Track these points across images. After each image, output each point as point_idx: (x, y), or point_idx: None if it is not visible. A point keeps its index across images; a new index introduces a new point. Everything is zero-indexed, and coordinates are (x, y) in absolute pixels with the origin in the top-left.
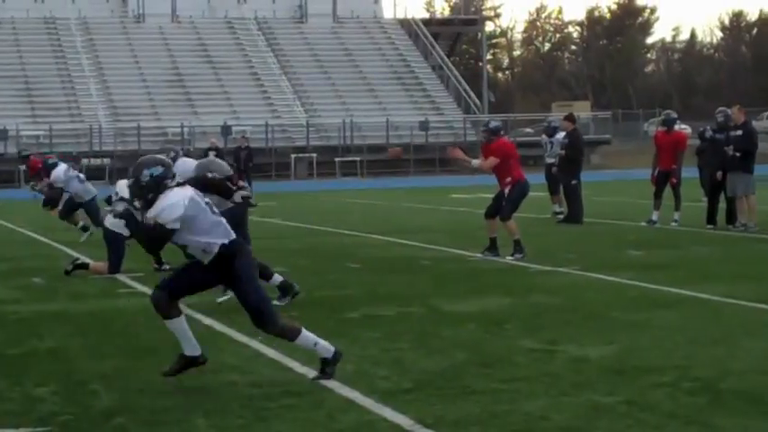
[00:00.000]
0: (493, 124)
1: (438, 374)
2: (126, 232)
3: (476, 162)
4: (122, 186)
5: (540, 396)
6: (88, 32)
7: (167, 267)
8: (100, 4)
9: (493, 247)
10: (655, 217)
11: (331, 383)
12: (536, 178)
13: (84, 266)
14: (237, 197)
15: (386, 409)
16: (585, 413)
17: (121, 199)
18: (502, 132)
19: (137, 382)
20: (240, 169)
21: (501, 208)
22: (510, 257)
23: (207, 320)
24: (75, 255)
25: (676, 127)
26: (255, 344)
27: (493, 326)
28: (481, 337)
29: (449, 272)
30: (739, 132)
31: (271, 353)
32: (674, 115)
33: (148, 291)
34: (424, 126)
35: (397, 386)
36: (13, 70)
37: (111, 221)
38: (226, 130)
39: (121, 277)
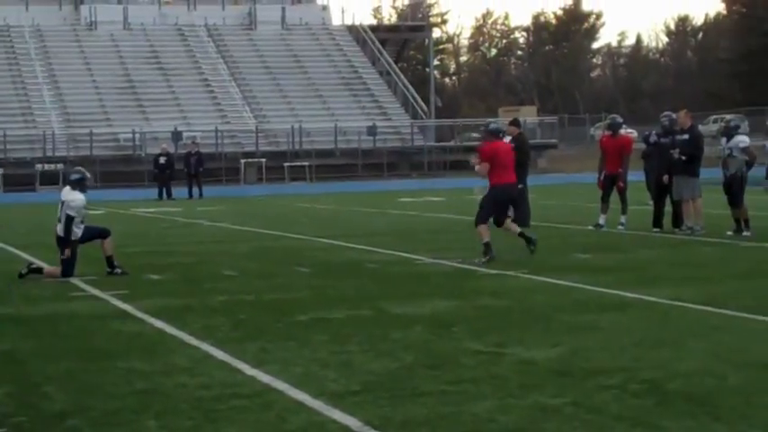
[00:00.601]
0: (492, 126)
1: (386, 376)
2: (73, 236)
3: (477, 167)
4: (66, 192)
5: (487, 398)
6: (41, 40)
7: (119, 271)
8: (53, 12)
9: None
10: (602, 221)
11: (280, 386)
12: (483, 182)
13: (39, 270)
14: None
15: (335, 411)
16: (532, 415)
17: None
18: (501, 135)
19: (89, 384)
20: (191, 174)
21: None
22: (477, 260)
23: (158, 323)
24: (31, 259)
25: (622, 131)
26: (205, 346)
27: (440, 328)
28: (429, 340)
29: (397, 275)
30: (686, 137)
31: (220, 355)
32: (620, 119)
33: (101, 294)
34: (372, 131)
35: (346, 388)
36: None
37: (60, 227)
38: (176, 135)
39: (74, 281)
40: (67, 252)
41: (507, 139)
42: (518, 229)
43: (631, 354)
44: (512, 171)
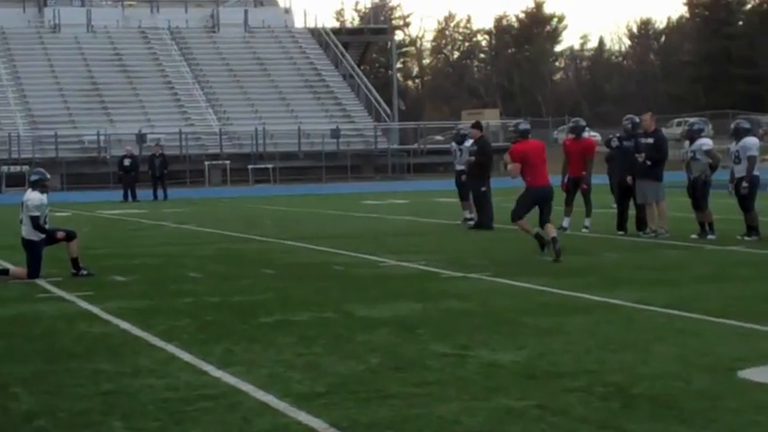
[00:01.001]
0: (522, 126)
1: (352, 378)
2: (37, 237)
3: (508, 167)
4: (27, 195)
5: (452, 400)
6: (5, 42)
7: (85, 272)
8: (17, 15)
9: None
10: (565, 223)
11: (246, 387)
12: (447, 185)
13: (5, 272)
14: None
15: (300, 413)
16: (498, 417)
17: None
18: (529, 136)
19: (56, 385)
20: (155, 176)
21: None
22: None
23: (124, 324)
24: None
25: (585, 134)
26: (171, 347)
27: (406, 331)
28: (394, 342)
29: (361, 277)
30: (650, 140)
31: (186, 356)
32: (583, 123)
33: (67, 295)
34: (336, 134)
35: (312, 390)
36: None
37: (26, 230)
38: (141, 137)
39: (41, 282)
40: (60, 234)
41: (470, 141)
42: (534, 230)
43: (596, 357)
44: (544, 171)
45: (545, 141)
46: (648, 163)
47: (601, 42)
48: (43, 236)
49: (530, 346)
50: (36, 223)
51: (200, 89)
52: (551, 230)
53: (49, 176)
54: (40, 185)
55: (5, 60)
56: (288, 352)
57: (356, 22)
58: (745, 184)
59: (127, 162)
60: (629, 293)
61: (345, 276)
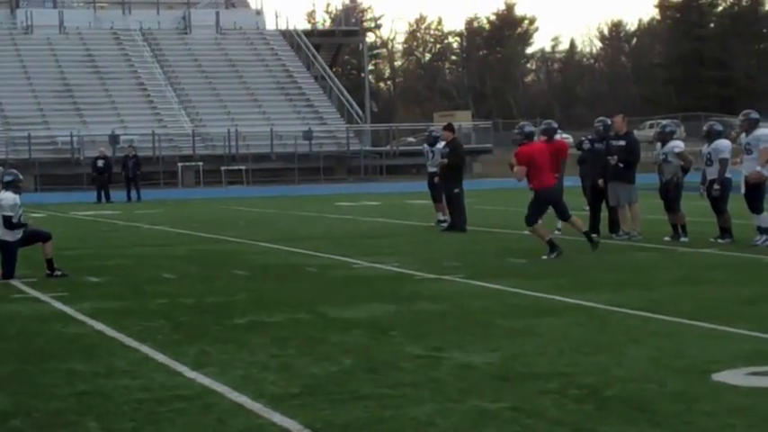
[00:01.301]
0: (527, 128)
1: (326, 379)
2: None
3: (514, 169)
4: (1, 195)
5: (426, 402)
6: None
7: (60, 273)
8: None
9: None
10: (559, 225)
11: (220, 388)
12: (420, 187)
13: None
14: None
15: (275, 414)
16: (472, 419)
17: None
18: (536, 137)
19: (31, 385)
20: (129, 177)
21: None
22: (545, 257)
23: (98, 325)
24: None
25: (557, 136)
26: (145, 348)
27: (379, 332)
28: (368, 344)
29: (335, 279)
30: (622, 142)
31: (160, 357)
32: (555, 125)
33: (41, 296)
34: (308, 135)
35: (286, 391)
36: None
37: (1, 231)
38: (114, 139)
39: (15, 283)
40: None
41: (441, 143)
42: (583, 227)
43: (570, 359)
44: (549, 172)
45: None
46: (621, 165)
47: (572, 44)
48: (18, 236)
49: (503, 348)
50: (9, 223)
51: (173, 90)
52: (580, 225)
53: (21, 177)
54: (13, 186)
55: None
56: (262, 353)
57: (327, 24)
58: (716, 186)
59: (100, 163)
60: (602, 295)
61: (319, 278)
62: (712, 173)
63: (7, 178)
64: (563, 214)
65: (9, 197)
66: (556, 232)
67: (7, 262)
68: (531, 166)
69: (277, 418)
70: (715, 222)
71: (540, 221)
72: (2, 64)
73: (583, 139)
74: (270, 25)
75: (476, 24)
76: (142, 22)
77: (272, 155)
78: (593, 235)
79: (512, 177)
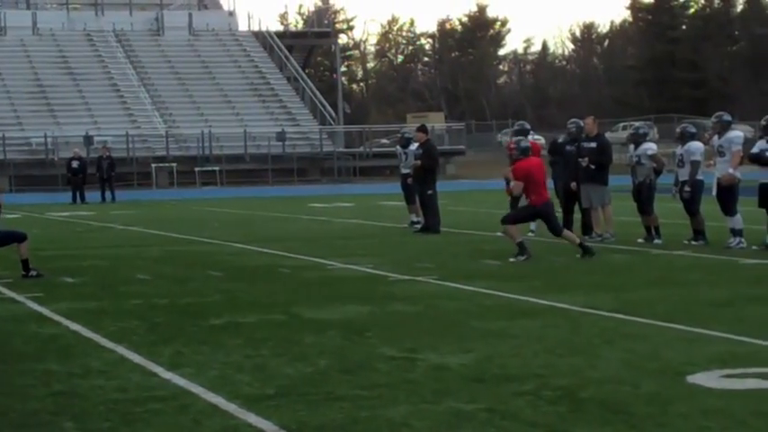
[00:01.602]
0: (523, 144)
1: (301, 380)
2: None
3: (512, 184)
4: None
5: (401, 403)
6: None
7: (35, 273)
8: None
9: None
10: (533, 226)
11: (196, 389)
12: (393, 188)
13: None
14: None
15: (250, 415)
16: (447, 420)
17: None
18: (530, 153)
19: (7, 385)
20: (103, 178)
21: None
22: (512, 259)
23: (74, 326)
24: None
25: (530, 137)
26: (121, 349)
27: (354, 333)
28: (342, 345)
29: (309, 280)
30: (593, 144)
31: (135, 358)
32: (528, 126)
33: (17, 297)
34: (281, 137)
35: (261, 392)
36: None
37: None
38: (88, 140)
39: None
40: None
41: (415, 145)
42: (577, 240)
43: (544, 360)
44: (545, 186)
45: (489, 145)
46: (592, 167)
47: (544, 46)
48: None
49: (478, 350)
50: None
51: (146, 92)
52: (574, 237)
53: None
54: None
55: None
56: (237, 354)
57: (300, 26)
58: (686, 188)
59: (75, 164)
60: (576, 297)
61: (293, 279)
62: (684, 174)
63: None
64: (555, 227)
65: None
66: (529, 234)
67: None
68: (530, 182)
69: (252, 418)
70: (688, 224)
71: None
72: None
73: (554, 140)
74: (242, 26)
75: (448, 26)
76: (115, 23)
77: (246, 156)
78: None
79: (483, 179)
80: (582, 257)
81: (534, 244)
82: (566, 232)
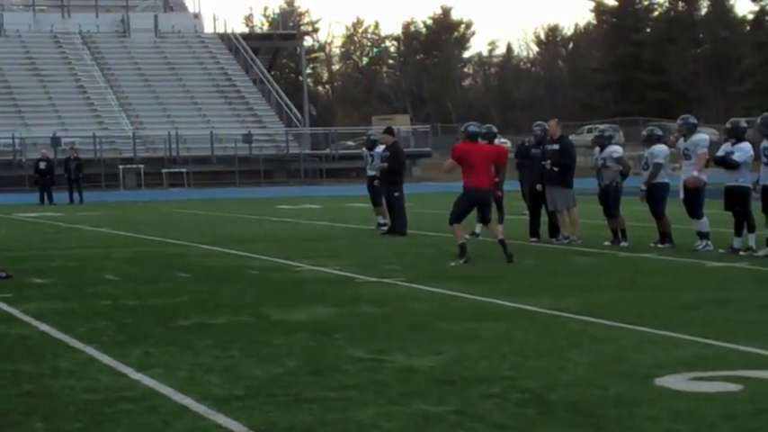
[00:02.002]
0: (471, 128)
1: (270, 382)
2: None
3: (446, 162)
4: None
5: (370, 404)
6: None
7: (3, 275)
8: None
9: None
10: (478, 229)
11: (165, 390)
12: (360, 190)
13: None
14: None
15: (219, 416)
16: (416, 422)
17: None
18: (479, 140)
19: None
20: (71, 179)
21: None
22: (453, 263)
23: (43, 327)
24: None
25: (497, 141)
26: (90, 350)
27: (322, 335)
28: (311, 346)
29: (277, 281)
30: (556, 146)
31: (105, 359)
32: (495, 129)
33: None
34: (248, 139)
35: (230, 393)
36: None
37: None
38: (55, 141)
39: None
40: None
41: (381, 147)
42: (501, 235)
43: (512, 363)
44: (485, 175)
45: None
46: (555, 169)
47: (509, 49)
48: None
49: (446, 352)
50: None
51: (113, 93)
52: (499, 232)
53: None
54: None
55: None
56: (206, 355)
57: (265, 28)
58: (643, 187)
59: (42, 165)
60: (544, 300)
61: (261, 280)
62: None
63: None
64: (486, 215)
65: None
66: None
67: None
68: (466, 164)
69: (222, 419)
70: (655, 227)
71: (459, 224)
72: None
73: (521, 142)
74: (208, 29)
75: (413, 28)
76: (81, 25)
77: (213, 158)
78: (509, 252)
79: (449, 182)
80: (505, 258)
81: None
82: (492, 225)
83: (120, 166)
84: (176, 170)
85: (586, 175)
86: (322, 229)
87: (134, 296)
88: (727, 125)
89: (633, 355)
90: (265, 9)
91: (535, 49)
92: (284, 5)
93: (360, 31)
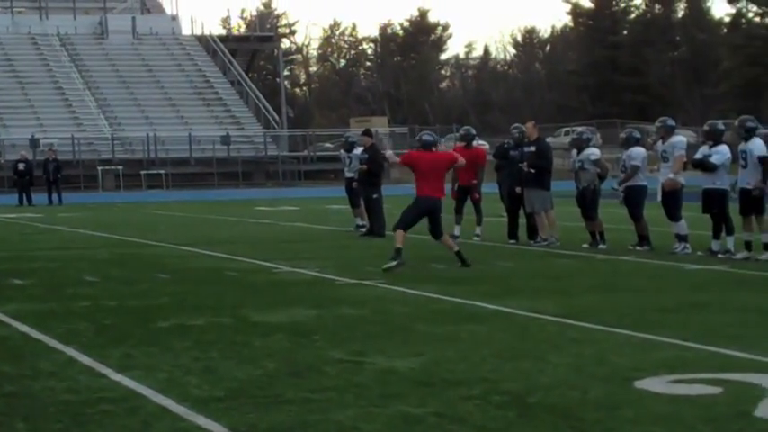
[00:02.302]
0: (425, 137)
1: (249, 383)
2: None
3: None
4: None
5: (350, 406)
6: None
7: None
8: None
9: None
10: (456, 232)
11: (145, 391)
12: (338, 192)
13: None
14: None
15: (200, 417)
16: (396, 424)
17: None
18: (434, 149)
19: None
20: (50, 180)
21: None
22: (386, 265)
23: (23, 327)
24: None
25: (475, 143)
26: (70, 350)
27: (301, 336)
28: (290, 348)
29: (256, 283)
30: (533, 148)
31: (85, 359)
32: (473, 131)
33: None
34: (226, 140)
35: (210, 394)
36: None
37: None
38: (34, 142)
39: None
40: None
41: (359, 149)
42: (455, 247)
43: (492, 365)
44: (436, 183)
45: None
46: (532, 171)
47: (486, 51)
48: None
49: (425, 354)
50: None
51: (91, 95)
52: (451, 244)
53: None
54: None
55: None
56: (185, 356)
57: (243, 30)
58: (615, 186)
59: (21, 166)
60: (522, 302)
61: (240, 282)
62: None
63: None
64: (435, 231)
65: None
66: (475, 239)
67: None
68: (418, 172)
69: (202, 421)
70: (633, 230)
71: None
72: None
73: (501, 144)
74: (185, 31)
75: (389, 30)
76: (59, 26)
77: (191, 159)
78: (465, 258)
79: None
80: (460, 266)
81: (480, 249)
82: (445, 237)
83: (99, 168)
84: (155, 172)
85: (564, 177)
86: (300, 231)
87: (113, 297)
88: (705, 127)
89: (613, 358)
90: (243, 11)
91: (512, 51)
92: (262, 7)
93: (337, 33)
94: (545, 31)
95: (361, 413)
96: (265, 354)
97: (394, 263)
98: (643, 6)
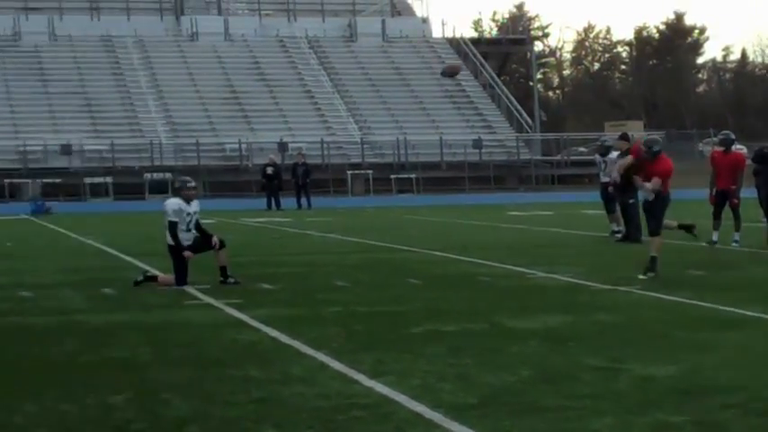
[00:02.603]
0: (656, 148)
1: (503, 390)
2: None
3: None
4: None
5: (606, 414)
6: (144, 50)
7: (233, 281)
8: (154, 23)
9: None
10: (715, 237)
11: (398, 397)
12: (593, 197)
13: (154, 278)
14: None
15: (453, 424)
16: None
17: None
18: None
19: (207, 391)
20: (298, 185)
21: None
22: (642, 276)
23: (273, 332)
24: (145, 267)
25: (733, 147)
26: (321, 356)
27: (556, 343)
28: (545, 354)
29: (509, 288)
30: None
31: (336, 365)
32: (732, 136)
33: (215, 303)
34: (478, 144)
35: (464, 401)
36: (74, 87)
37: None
38: (282, 146)
39: (189, 289)
40: (187, 254)
41: (615, 153)
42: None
43: (752, 372)
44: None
45: (688, 154)
46: None
47: (743, 54)
48: (188, 243)
49: (683, 361)
50: (172, 230)
51: (340, 98)
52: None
53: (191, 184)
54: (177, 192)
55: (145, 68)
56: (438, 362)
57: (494, 33)
58: None
59: (269, 170)
60: None
61: (492, 287)
62: None
63: (176, 185)
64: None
65: (173, 203)
66: (733, 244)
67: (177, 268)
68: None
69: (456, 427)
70: None
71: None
72: (168, 71)
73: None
74: (436, 33)
75: (645, 33)
76: (308, 29)
77: (442, 164)
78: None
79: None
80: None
81: (738, 254)
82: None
83: (349, 172)
84: (405, 176)
85: None
86: (554, 236)
87: (364, 302)
88: None
89: None
90: (494, 14)
91: None
92: (514, 10)
93: (591, 36)
94: None
95: (619, 421)
96: (519, 360)
97: (653, 274)
98: None
